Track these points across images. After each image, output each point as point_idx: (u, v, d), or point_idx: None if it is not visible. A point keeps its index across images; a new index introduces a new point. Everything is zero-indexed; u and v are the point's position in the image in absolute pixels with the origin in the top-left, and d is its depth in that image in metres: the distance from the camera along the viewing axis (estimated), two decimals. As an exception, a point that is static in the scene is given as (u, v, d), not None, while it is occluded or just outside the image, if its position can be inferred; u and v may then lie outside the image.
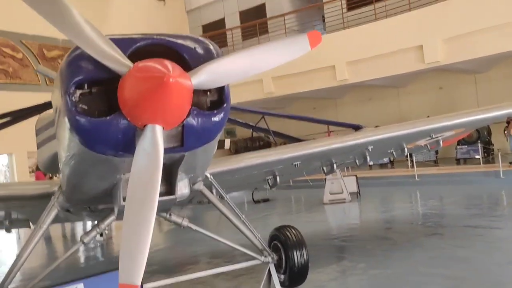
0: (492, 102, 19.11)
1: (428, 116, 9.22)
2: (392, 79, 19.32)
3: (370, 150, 6.69)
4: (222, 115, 3.25)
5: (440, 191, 12.81)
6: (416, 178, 14.29)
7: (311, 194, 13.77)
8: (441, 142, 7.82)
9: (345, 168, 15.75)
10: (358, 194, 13.10)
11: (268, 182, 6.84)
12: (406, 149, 7.57)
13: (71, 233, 12.06)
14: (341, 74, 17.64)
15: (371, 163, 18.25)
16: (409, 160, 16.69)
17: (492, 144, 17.78)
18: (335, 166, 7.06)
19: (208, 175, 4.85)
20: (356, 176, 13.21)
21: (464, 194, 12.07)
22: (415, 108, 19.94)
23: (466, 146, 16.66)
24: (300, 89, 18.81)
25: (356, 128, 7.05)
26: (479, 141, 16.73)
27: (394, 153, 7.80)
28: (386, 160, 18.44)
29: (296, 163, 6.21)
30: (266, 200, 14.31)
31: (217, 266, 6.10)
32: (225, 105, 3.25)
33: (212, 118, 3.19)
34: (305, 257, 5.04)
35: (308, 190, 13.85)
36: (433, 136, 7.13)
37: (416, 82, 20.69)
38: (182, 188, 3.86)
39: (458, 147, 17.00)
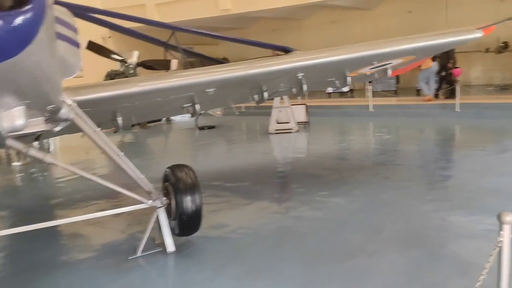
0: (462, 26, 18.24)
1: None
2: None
3: (301, 77, 5.72)
4: (27, 16, 2.16)
5: (392, 124, 12.14)
6: (371, 108, 13.52)
7: (263, 121, 12.84)
8: (389, 71, 6.98)
9: (306, 95, 14.87)
10: (307, 124, 12.31)
11: (187, 110, 5.89)
12: (348, 78, 6.68)
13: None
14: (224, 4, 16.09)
15: (330, 90, 17.39)
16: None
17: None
18: (265, 94, 6.08)
19: (69, 102, 3.79)
20: (305, 104, 12.30)
21: (415, 128, 11.45)
22: (381, 32, 18.71)
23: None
24: (261, 6, 17.17)
25: (286, 51, 6.00)
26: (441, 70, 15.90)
27: (337, 81, 6.88)
28: (346, 88, 17.53)
29: (209, 90, 5.20)
30: (211, 127, 13.39)
31: (104, 209, 5.25)
32: (31, 3, 2.15)
33: (11, 21, 2.11)
34: (196, 204, 4.21)
35: (262, 117, 12.96)
36: (376, 64, 6.19)
37: (384, 4, 19.36)
38: (9, 118, 2.89)
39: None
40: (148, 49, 16.70)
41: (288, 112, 11.78)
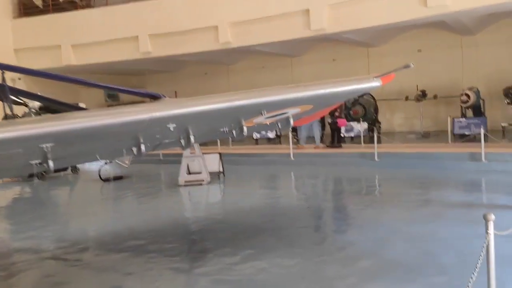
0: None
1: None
2: (285, 47, 17.84)
3: (172, 128, 4.84)
4: None
5: (310, 174, 11.56)
6: (292, 157, 12.92)
7: (177, 171, 11.77)
8: (291, 121, 6.33)
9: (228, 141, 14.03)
10: (223, 174, 11.42)
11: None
12: (245, 128, 5.91)
13: None
14: (224, 36, 15.63)
15: (257, 136, 16.78)
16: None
17: (379, 122, 17.06)
18: (143, 146, 5.15)
19: None
20: (219, 153, 11.46)
21: (331, 179, 10.91)
22: (308, 78, 18.62)
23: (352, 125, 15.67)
24: (181, 50, 16.54)
25: (154, 97, 5.15)
26: (364, 118, 15.83)
27: (234, 131, 6.10)
28: (272, 135, 16.97)
29: (45, 146, 4.17)
30: (118, 178, 12.15)
31: None
32: None
33: None
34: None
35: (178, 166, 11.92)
36: (267, 114, 5.47)
37: (310, 52, 19.46)
38: None
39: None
40: (65, 89, 15.69)
41: (200, 161, 10.87)
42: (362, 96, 16.95)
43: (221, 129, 6.09)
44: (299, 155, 13.05)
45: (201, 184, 10.53)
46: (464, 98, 13.66)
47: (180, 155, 10.85)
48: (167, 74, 23.45)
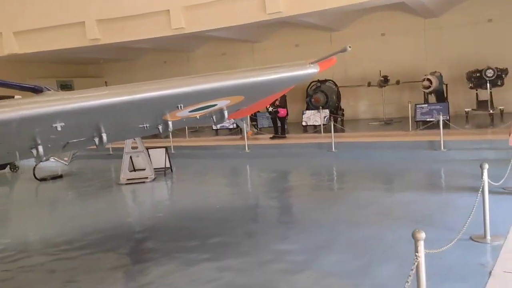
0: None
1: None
2: (244, 32, 17.00)
3: (61, 127, 4.03)
4: None
5: (266, 167, 10.88)
6: (247, 149, 12.20)
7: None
8: (225, 114, 5.61)
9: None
10: (170, 170, 10.63)
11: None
12: (170, 123, 5.17)
13: None
14: (177, 21, 14.66)
15: (217, 127, 15.98)
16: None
17: (342, 110, 16.48)
18: (40, 148, 4.36)
19: None
20: (166, 147, 10.62)
21: (286, 172, 10.25)
22: (270, 63, 17.89)
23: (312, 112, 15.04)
24: (132, 36, 15.50)
25: (35, 91, 4.32)
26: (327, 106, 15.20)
27: (159, 127, 5.35)
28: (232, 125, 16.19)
29: None
30: (56, 177, 11.18)
31: None
32: None
33: None
34: None
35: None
36: (187, 107, 4.74)
37: (272, 38, 18.69)
38: None
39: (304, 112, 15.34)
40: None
41: (143, 157, 10.05)
42: (324, 82, 16.35)
43: (141, 125, 5.34)
44: (255, 146, 12.34)
45: (144, 182, 9.72)
46: (426, 83, 13.15)
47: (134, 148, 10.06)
48: (124, 63, 22.32)
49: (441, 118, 9.93)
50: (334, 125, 11.61)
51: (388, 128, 14.04)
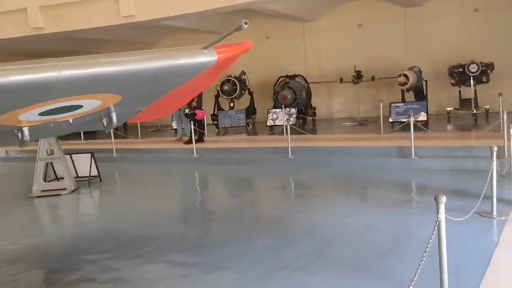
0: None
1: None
2: (207, 23, 15.49)
3: None
4: None
5: (209, 176, 9.34)
6: (195, 153, 10.63)
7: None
8: (113, 117, 4.29)
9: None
10: (99, 179, 9.07)
11: None
12: (25, 129, 3.80)
13: None
14: (126, 8, 13.04)
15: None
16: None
17: (313, 108, 14.97)
18: None
19: None
20: (91, 153, 9.03)
21: (232, 182, 8.71)
22: (243, 57, 16.30)
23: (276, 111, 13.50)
24: (78, 25, 13.88)
25: None
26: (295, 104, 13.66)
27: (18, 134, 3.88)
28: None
29: None
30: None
31: None
32: None
33: None
34: None
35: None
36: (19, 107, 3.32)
37: (243, 31, 17.12)
38: None
39: (270, 110, 13.78)
40: None
41: (61, 164, 8.48)
42: (293, 78, 14.84)
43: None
44: (205, 151, 10.79)
45: (59, 195, 8.14)
46: (402, 79, 11.65)
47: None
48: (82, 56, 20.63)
49: (411, 120, 8.41)
50: (293, 126, 10.06)
51: (362, 129, 12.54)
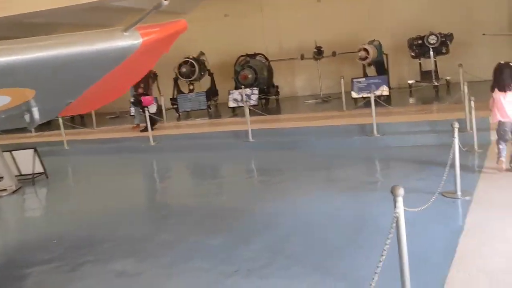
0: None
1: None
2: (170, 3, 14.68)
3: None
4: None
5: (165, 165, 8.85)
6: (152, 141, 10.09)
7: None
8: (35, 113, 3.77)
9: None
10: (45, 176, 8.42)
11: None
12: None
13: None
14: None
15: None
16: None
17: (276, 87, 14.53)
18: None
19: None
20: (35, 148, 8.35)
21: (185, 171, 8.26)
22: (197, 37, 15.55)
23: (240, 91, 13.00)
24: (16, 10, 12.85)
25: None
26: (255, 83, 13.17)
27: None
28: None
29: None
30: None
31: None
32: None
33: None
34: None
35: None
36: None
37: (199, 9, 16.34)
38: None
39: (231, 91, 13.25)
40: None
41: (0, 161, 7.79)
42: (253, 57, 14.32)
43: None
44: (163, 138, 10.25)
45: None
46: (362, 54, 11.34)
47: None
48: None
49: (372, 96, 8.11)
50: (254, 107, 9.63)
51: (325, 107, 12.22)
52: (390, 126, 8.21)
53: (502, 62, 5.78)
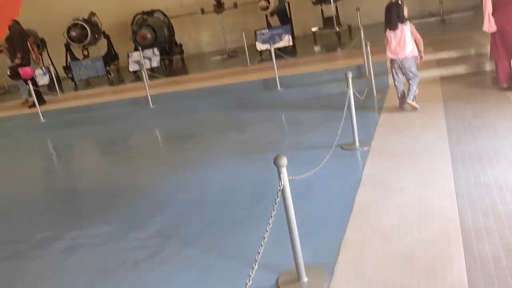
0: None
1: None
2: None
3: None
4: None
5: (55, 144, 8.02)
6: (42, 118, 9.06)
7: None
8: None
9: None
10: None
11: None
12: None
13: None
14: None
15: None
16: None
17: (179, 45, 13.73)
18: None
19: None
20: None
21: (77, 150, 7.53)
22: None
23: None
24: None
25: None
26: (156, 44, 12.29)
27: None
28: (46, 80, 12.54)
29: None
30: None
31: None
32: None
33: None
34: None
35: None
36: None
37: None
38: None
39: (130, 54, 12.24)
40: None
41: None
42: (150, 15, 13.31)
43: None
44: (55, 113, 9.27)
45: None
46: (263, 3, 10.89)
47: None
48: None
49: (272, 49, 7.79)
50: (153, 71, 8.91)
51: (231, 62, 11.75)
52: (293, 78, 7.99)
53: (391, 1, 5.69)
